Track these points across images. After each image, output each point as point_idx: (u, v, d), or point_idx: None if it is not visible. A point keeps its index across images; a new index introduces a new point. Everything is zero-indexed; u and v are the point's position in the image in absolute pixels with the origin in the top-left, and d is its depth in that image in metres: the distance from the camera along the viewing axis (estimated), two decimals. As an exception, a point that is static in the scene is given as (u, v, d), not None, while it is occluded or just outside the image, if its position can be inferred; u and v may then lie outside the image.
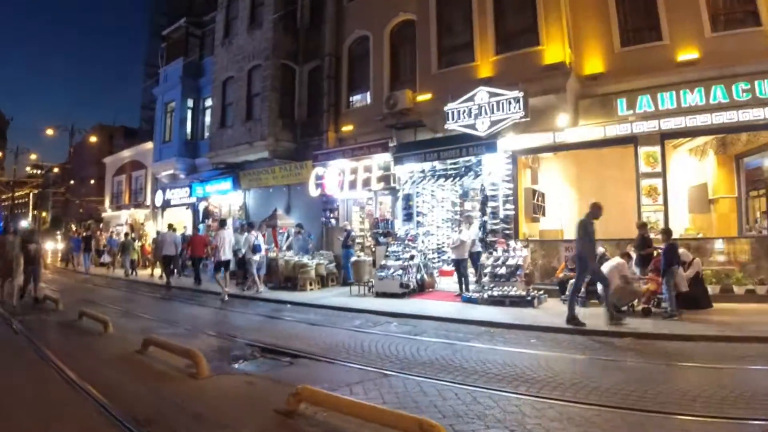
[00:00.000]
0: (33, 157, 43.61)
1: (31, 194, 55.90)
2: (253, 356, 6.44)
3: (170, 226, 17.47)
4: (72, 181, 37.24)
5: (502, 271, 10.72)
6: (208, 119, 20.76)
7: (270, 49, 16.08)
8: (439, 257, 14.53)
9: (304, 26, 16.96)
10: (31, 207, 56.14)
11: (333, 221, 15.07)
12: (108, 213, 27.58)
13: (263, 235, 14.01)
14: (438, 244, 14.88)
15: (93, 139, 33.78)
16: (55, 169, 44.91)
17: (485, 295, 10.27)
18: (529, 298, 9.88)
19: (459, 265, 11.43)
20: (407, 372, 5.41)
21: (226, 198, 19.10)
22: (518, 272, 10.52)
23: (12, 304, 10.06)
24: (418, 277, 12.18)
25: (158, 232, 19.72)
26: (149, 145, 24.30)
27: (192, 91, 21.16)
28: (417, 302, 10.79)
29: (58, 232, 36.68)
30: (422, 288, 12.08)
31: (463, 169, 13.03)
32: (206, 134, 20.67)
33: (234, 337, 7.62)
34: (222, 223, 13.97)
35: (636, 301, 8.90)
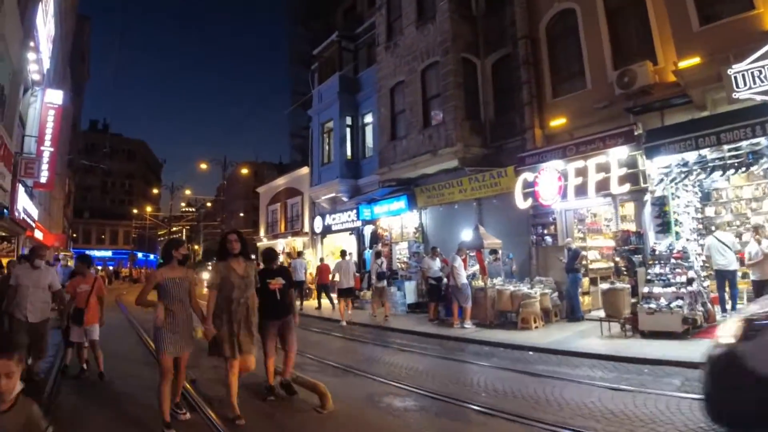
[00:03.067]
0: (188, 192, 47.05)
1: (184, 229, 60.72)
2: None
3: (299, 254, 19.22)
4: (224, 215, 39.06)
5: None
6: (369, 136, 19.25)
7: (449, 41, 13.77)
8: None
9: (480, 13, 14.56)
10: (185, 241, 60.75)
11: (549, 238, 12.04)
12: (264, 242, 27.44)
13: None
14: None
15: (244, 171, 34.82)
16: (208, 204, 47.91)
17: None
18: None
19: (764, 288, 8.08)
20: None
21: (397, 219, 17.09)
22: None
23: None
24: (701, 308, 8.77)
25: (290, 262, 19.34)
26: (304, 170, 23.51)
27: (349, 107, 19.76)
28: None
29: (209, 264, 38.26)
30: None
31: (749, 155, 9.33)
32: (367, 153, 19.17)
33: (523, 418, 4.77)
34: (342, 254, 13.72)
35: None
